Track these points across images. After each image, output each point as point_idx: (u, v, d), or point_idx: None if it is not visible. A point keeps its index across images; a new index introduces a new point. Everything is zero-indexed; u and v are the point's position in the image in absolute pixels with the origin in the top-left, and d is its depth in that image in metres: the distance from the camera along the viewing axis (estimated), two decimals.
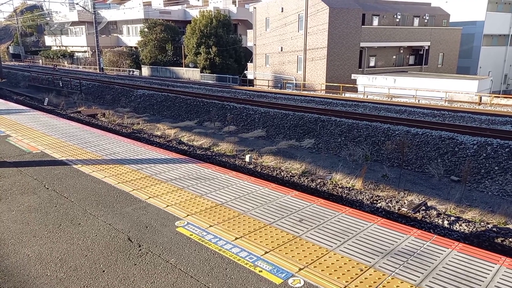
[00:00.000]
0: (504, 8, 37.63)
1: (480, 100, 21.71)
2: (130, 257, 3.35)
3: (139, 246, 3.52)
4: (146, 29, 43.05)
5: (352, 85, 27.77)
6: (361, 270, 3.11)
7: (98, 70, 43.90)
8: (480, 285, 2.92)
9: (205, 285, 2.97)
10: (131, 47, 48.84)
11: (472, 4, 35.84)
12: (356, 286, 2.93)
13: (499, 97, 22.71)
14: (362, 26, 30.05)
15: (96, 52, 43.74)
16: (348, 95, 25.77)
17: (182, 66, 40.78)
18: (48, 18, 60.44)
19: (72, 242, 3.62)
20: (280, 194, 4.71)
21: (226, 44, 37.84)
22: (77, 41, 55.82)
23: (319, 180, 8.72)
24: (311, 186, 8.36)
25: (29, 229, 3.90)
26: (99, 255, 3.39)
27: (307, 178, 8.83)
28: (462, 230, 6.22)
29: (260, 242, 3.55)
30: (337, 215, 4.08)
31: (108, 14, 51.98)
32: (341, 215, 4.10)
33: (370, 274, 3.06)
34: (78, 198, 4.66)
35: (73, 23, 55.93)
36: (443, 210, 7.23)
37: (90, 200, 4.60)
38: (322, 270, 3.12)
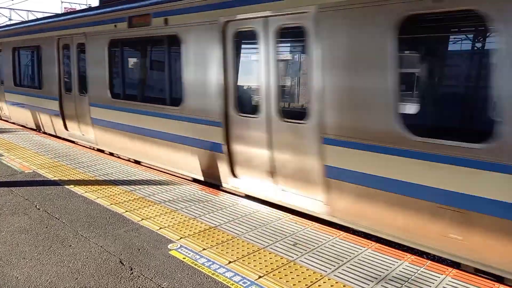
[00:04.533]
0: None
1: None
2: (121, 280, 3.29)
3: (131, 269, 3.47)
4: None
5: None
6: None
7: None
8: None
9: None
10: None
11: None
12: None
13: None
14: None
15: None
16: None
17: None
18: None
19: (62, 264, 3.55)
20: (274, 217, 4.70)
21: None
22: None
23: None
24: None
25: (18, 250, 3.82)
26: (89, 278, 3.32)
27: None
28: None
29: (254, 266, 3.52)
30: (331, 239, 4.07)
31: None
32: (335, 239, 4.09)
33: None
34: (69, 219, 4.60)
35: None
36: None
37: (81, 222, 4.54)
38: None
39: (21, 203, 5.13)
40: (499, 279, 3.51)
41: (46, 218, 4.65)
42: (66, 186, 5.83)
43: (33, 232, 4.26)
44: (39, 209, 4.95)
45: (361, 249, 3.85)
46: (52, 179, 6.20)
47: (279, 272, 3.42)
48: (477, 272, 3.63)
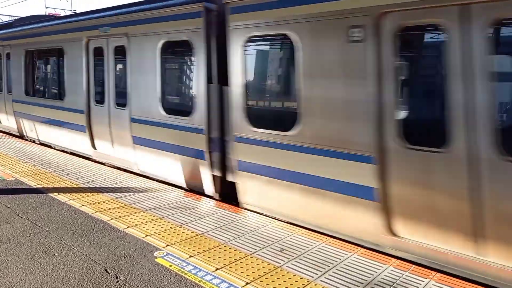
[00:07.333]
0: None
1: None
2: None
3: (116, 278, 3.43)
4: None
5: None
6: None
7: None
8: None
9: None
10: None
11: None
12: None
13: None
14: None
15: None
16: None
17: None
18: None
19: (46, 273, 3.49)
20: (261, 223, 4.71)
21: None
22: None
23: None
24: None
25: (0, 260, 3.74)
26: (74, 287, 3.27)
27: None
28: None
29: (241, 273, 3.52)
30: (318, 245, 4.10)
31: None
32: (322, 244, 4.12)
33: None
34: (53, 228, 4.52)
35: None
36: None
37: (65, 230, 4.47)
38: None
39: (3, 212, 5.02)
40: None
41: (29, 226, 4.57)
42: (50, 194, 5.73)
43: (16, 241, 4.17)
44: (21, 217, 4.85)
45: (347, 254, 3.89)
46: (35, 187, 6.09)
47: (266, 278, 3.43)
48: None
